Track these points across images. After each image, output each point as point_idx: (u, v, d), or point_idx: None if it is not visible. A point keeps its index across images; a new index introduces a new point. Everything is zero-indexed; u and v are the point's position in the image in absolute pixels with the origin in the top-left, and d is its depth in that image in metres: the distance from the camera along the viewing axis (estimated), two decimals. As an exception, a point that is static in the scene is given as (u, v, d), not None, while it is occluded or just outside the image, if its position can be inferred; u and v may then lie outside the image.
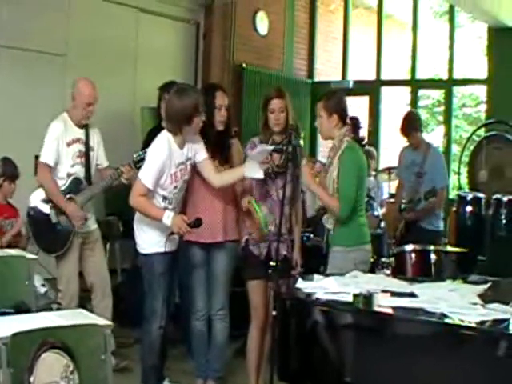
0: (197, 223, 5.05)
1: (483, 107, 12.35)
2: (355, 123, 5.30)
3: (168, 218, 5.00)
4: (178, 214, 5.11)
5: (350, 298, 3.83)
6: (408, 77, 12.42)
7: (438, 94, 15.59)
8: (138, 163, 5.45)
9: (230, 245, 5.50)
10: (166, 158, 5.07)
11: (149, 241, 5.22)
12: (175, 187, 5.18)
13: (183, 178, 5.21)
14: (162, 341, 5.35)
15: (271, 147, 5.15)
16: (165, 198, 5.17)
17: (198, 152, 5.27)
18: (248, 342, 5.47)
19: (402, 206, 7.37)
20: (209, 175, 5.30)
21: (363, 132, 9.09)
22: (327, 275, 4.45)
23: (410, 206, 7.15)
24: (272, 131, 5.35)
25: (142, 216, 5.20)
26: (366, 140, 5.63)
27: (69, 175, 5.90)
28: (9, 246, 5.85)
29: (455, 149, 13.12)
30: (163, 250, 5.13)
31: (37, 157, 5.94)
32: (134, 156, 5.49)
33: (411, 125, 7.26)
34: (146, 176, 5.07)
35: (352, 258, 5.07)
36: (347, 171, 5.12)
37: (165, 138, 5.15)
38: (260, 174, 5.12)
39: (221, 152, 5.47)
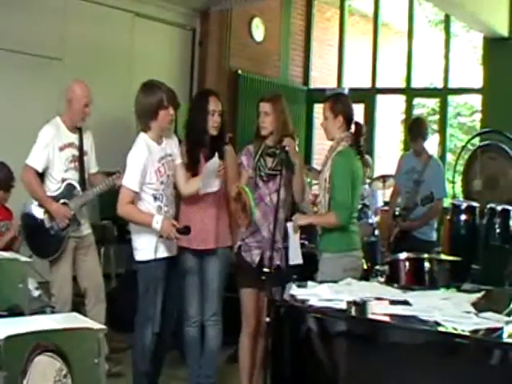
0: (185, 230, 5.09)
1: (478, 116, 12.39)
2: (359, 129, 5.31)
3: (157, 223, 5.03)
4: (167, 219, 5.13)
5: (343, 306, 3.83)
6: (403, 85, 12.42)
7: (433, 103, 15.64)
8: None
9: (223, 251, 5.51)
10: (146, 157, 5.14)
11: (146, 247, 5.21)
12: (162, 182, 5.21)
13: (167, 172, 5.26)
14: (159, 347, 5.37)
15: (217, 160, 5.17)
16: (155, 198, 5.20)
17: (175, 156, 5.40)
18: (240, 348, 5.47)
19: (397, 212, 7.37)
20: (179, 182, 5.39)
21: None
22: (320, 282, 4.45)
23: (405, 213, 7.16)
24: (262, 134, 5.37)
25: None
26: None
27: (63, 180, 5.90)
28: (3, 249, 5.84)
29: (450, 158, 13.13)
30: (160, 256, 5.17)
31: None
32: None
33: (419, 131, 7.25)
34: (130, 180, 5.12)
35: (341, 264, 5.08)
36: (340, 177, 5.14)
37: (141, 139, 5.24)
38: (215, 187, 5.22)
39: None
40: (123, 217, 5.23)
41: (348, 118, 5.30)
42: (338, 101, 5.37)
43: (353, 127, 5.37)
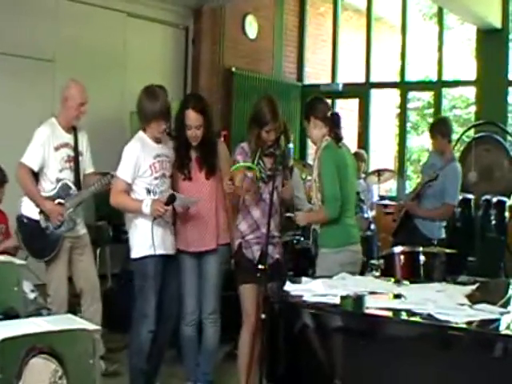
0: (171, 199, 5.18)
1: (473, 109, 12.39)
2: (333, 119, 5.32)
3: (146, 206, 5.15)
4: (156, 199, 5.22)
5: (337, 300, 3.83)
6: (397, 79, 12.42)
7: (428, 96, 15.63)
8: None
9: (222, 248, 5.53)
10: (140, 151, 5.26)
11: (141, 243, 5.29)
12: (155, 178, 5.31)
13: (162, 170, 5.34)
14: (156, 345, 5.40)
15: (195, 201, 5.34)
16: (148, 191, 5.29)
17: (172, 159, 5.50)
18: (240, 347, 5.46)
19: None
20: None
21: (349, 133, 9.08)
22: (316, 277, 4.46)
23: (413, 195, 7.07)
24: (263, 142, 5.37)
25: (134, 219, 5.33)
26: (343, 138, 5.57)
27: (58, 180, 5.90)
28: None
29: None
30: (155, 253, 5.24)
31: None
32: None
33: (438, 128, 7.12)
34: (123, 171, 5.27)
35: (338, 259, 5.10)
36: (325, 171, 5.20)
37: (137, 135, 5.40)
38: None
39: (206, 164, 5.51)
40: (116, 206, 5.37)
41: (318, 116, 5.36)
42: (307, 106, 5.55)
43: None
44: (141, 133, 5.39)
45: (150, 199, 5.18)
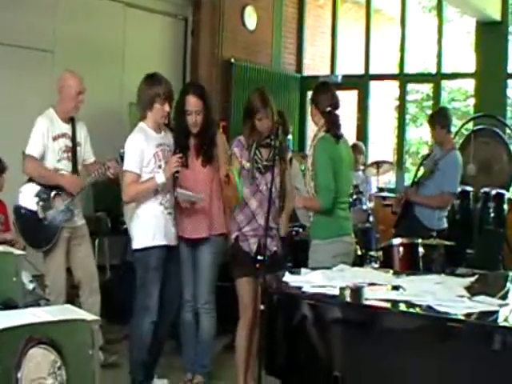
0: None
1: (472, 101, 12.38)
2: (331, 117, 5.30)
3: (159, 175, 5.19)
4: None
5: (336, 292, 3.83)
6: (397, 71, 12.41)
7: (427, 89, 15.61)
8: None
9: (216, 238, 5.53)
10: (143, 141, 5.28)
11: (142, 234, 5.31)
12: (159, 167, 5.30)
13: (165, 159, 5.35)
14: (157, 337, 5.39)
15: (195, 196, 5.36)
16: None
17: (172, 147, 5.52)
18: (237, 339, 5.47)
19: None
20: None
21: (348, 125, 9.06)
22: (313, 269, 4.46)
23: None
24: (259, 133, 5.37)
25: (136, 209, 5.36)
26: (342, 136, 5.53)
27: (56, 170, 5.90)
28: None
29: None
30: (157, 244, 5.27)
31: (24, 153, 5.92)
32: (121, 151, 5.52)
33: (437, 119, 7.10)
34: (130, 164, 5.27)
35: (331, 250, 5.11)
36: (319, 162, 5.21)
37: (138, 127, 5.40)
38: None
39: (203, 153, 5.51)
40: (132, 198, 5.38)
41: (318, 107, 5.36)
42: (314, 91, 5.52)
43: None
44: (141, 123, 5.39)
45: (160, 170, 5.23)
